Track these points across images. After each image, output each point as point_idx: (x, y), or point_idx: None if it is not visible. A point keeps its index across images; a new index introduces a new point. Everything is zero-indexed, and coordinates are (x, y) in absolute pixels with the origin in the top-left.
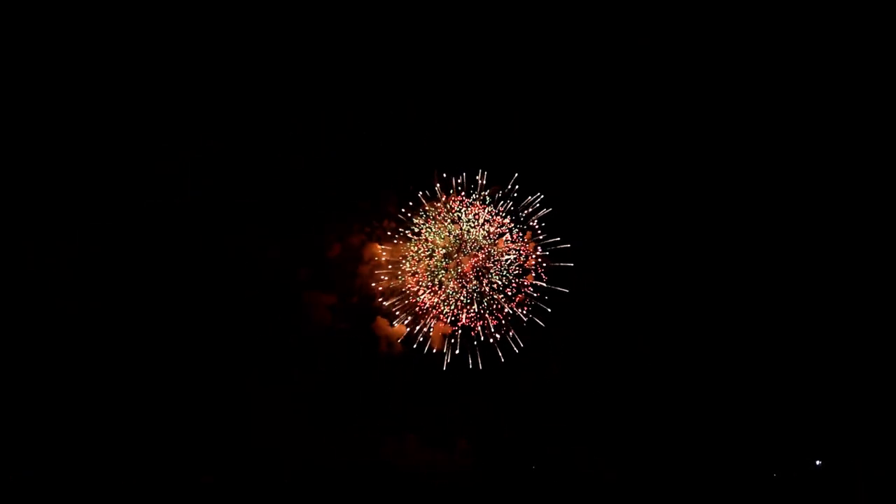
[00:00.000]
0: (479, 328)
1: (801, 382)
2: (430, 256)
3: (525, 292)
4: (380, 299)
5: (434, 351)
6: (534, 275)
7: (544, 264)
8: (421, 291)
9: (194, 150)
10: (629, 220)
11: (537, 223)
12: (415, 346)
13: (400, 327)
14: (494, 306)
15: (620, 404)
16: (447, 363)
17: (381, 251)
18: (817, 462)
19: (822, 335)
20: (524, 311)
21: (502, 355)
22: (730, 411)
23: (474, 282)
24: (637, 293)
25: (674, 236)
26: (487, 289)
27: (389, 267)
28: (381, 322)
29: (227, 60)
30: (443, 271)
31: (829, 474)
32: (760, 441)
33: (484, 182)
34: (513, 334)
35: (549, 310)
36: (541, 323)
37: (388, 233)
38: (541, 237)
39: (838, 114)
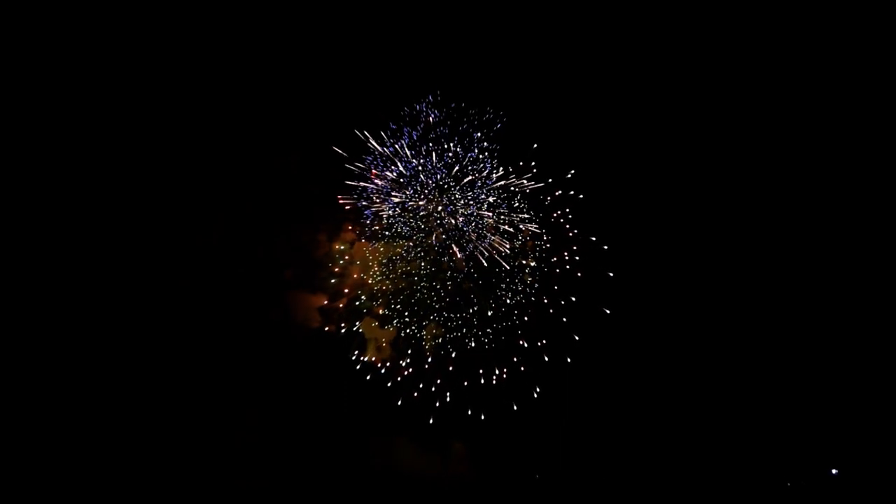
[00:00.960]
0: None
1: (818, 386)
2: (407, 257)
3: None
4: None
5: (428, 359)
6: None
7: (579, 275)
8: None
9: (174, 143)
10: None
11: (561, 214)
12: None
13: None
14: (502, 334)
15: (627, 408)
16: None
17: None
18: (834, 471)
19: (838, 339)
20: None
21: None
22: (742, 417)
23: (468, 284)
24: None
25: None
26: (490, 311)
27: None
28: (369, 323)
29: (209, 55)
30: (422, 285)
31: (847, 484)
32: (773, 448)
33: (490, 115)
34: (524, 369)
35: (577, 337)
36: (567, 359)
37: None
38: (570, 235)
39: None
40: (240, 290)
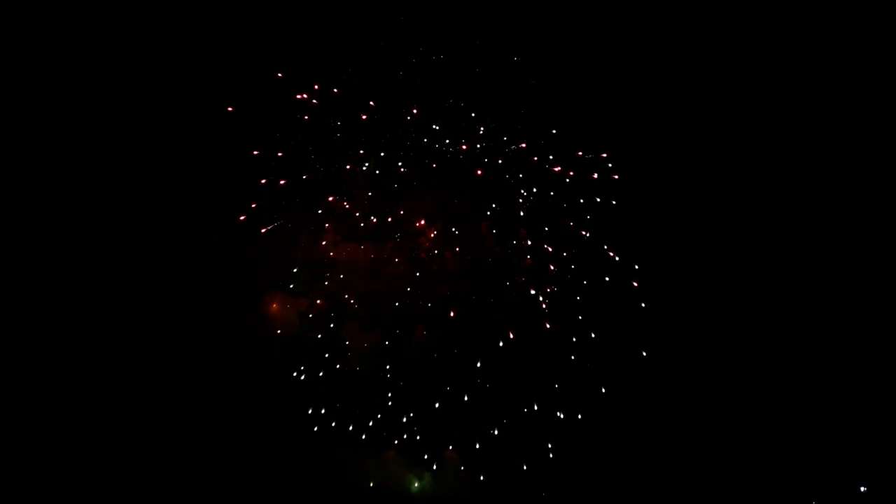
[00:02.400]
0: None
1: (846, 396)
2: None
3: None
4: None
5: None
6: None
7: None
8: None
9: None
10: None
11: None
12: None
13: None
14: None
15: (639, 416)
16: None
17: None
18: (862, 489)
19: (864, 349)
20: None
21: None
22: (761, 430)
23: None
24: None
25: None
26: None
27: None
28: (351, 327)
29: (192, 53)
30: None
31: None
32: (797, 464)
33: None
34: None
35: (603, 390)
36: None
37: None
38: (606, 250)
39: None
40: (236, 290)
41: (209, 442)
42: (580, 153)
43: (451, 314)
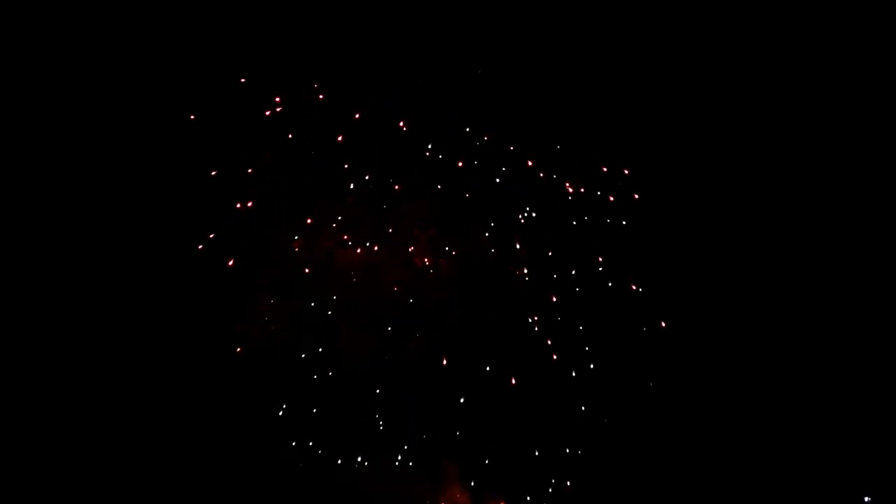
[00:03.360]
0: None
1: (852, 404)
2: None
3: None
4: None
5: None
6: None
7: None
8: None
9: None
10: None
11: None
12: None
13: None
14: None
15: (645, 420)
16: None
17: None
18: (866, 499)
19: (870, 356)
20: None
21: None
22: (765, 438)
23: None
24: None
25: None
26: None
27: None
28: (346, 331)
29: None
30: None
31: None
32: (801, 474)
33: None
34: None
35: (606, 420)
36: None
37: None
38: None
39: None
40: (192, 300)
41: (209, 442)
42: (604, 168)
43: (448, 320)
